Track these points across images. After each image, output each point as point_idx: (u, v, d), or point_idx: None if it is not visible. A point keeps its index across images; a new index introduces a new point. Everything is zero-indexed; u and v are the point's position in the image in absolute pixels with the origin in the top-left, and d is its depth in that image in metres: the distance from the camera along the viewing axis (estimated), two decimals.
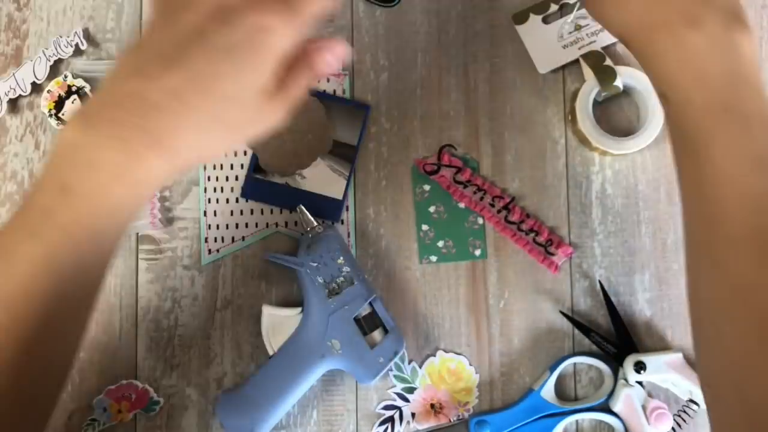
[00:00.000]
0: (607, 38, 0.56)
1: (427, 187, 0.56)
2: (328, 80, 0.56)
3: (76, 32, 0.55)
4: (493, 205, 0.55)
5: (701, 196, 0.40)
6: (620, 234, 0.56)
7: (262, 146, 0.55)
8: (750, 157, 0.38)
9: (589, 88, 0.54)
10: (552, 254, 0.55)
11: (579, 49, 0.56)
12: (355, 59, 0.56)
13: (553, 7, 0.56)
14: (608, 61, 0.55)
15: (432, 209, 0.56)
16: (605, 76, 0.54)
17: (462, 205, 0.55)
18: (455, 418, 0.54)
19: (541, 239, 0.55)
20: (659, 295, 0.55)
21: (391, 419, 0.54)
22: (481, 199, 0.55)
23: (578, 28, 0.55)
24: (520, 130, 0.56)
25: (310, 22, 0.38)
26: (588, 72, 0.55)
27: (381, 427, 0.54)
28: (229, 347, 0.55)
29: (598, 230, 0.56)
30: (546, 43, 0.56)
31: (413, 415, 0.54)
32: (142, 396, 0.54)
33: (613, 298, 0.55)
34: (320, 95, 0.55)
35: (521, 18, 0.56)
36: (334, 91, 0.56)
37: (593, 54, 0.55)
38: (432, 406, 0.54)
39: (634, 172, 0.56)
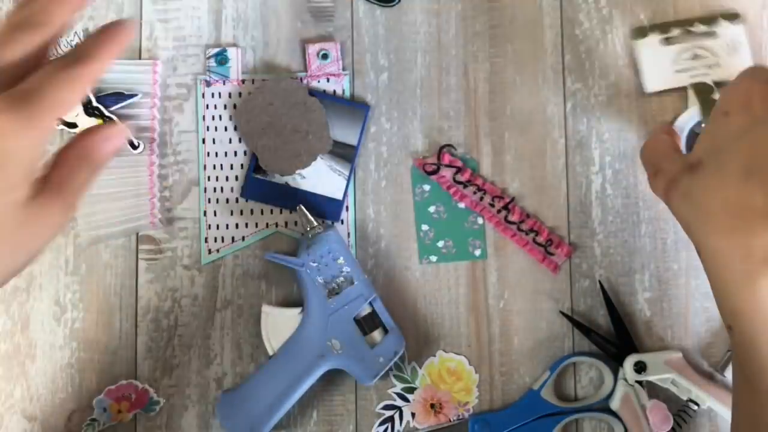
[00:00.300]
0: (720, 75, 0.55)
1: (427, 187, 0.56)
2: (328, 80, 0.56)
3: (76, 32, 0.55)
4: (493, 205, 0.55)
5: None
6: (620, 234, 0.56)
7: (262, 146, 0.55)
8: None
9: (688, 117, 0.54)
10: (552, 254, 0.55)
11: (691, 77, 0.55)
12: (356, 59, 0.57)
13: (674, 32, 0.56)
14: (717, 95, 0.54)
15: (432, 209, 0.56)
16: (710, 109, 0.54)
17: (462, 205, 0.55)
18: (455, 418, 0.54)
19: (541, 239, 0.55)
20: (659, 295, 0.55)
21: (391, 419, 0.54)
22: (481, 199, 0.55)
23: (696, 57, 0.55)
24: (520, 130, 0.56)
25: (57, 114, 0.32)
26: (693, 101, 0.54)
27: (381, 427, 0.54)
28: (229, 347, 0.55)
29: (598, 230, 0.56)
30: (660, 63, 0.55)
31: (413, 415, 0.54)
32: (142, 396, 0.54)
33: (613, 298, 0.55)
34: (320, 95, 0.55)
35: (640, 33, 0.56)
36: (334, 91, 0.56)
37: (704, 85, 0.55)
38: (432, 406, 0.54)
39: (634, 172, 0.56)
